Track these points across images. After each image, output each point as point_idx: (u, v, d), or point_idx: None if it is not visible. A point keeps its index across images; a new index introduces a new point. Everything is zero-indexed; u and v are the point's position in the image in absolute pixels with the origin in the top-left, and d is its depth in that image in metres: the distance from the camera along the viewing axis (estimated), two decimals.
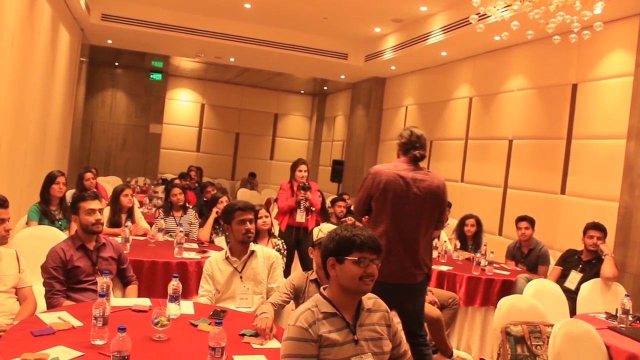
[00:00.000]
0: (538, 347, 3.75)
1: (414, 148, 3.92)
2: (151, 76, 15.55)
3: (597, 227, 5.16)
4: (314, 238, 3.74)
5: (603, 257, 4.96)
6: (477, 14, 4.69)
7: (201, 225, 5.88)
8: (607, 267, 4.87)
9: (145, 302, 3.20)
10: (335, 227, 2.53)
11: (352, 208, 9.17)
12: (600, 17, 4.26)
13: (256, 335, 2.79)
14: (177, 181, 8.52)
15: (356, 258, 2.25)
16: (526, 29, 4.61)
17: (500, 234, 8.07)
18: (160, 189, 10.49)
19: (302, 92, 17.26)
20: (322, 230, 3.66)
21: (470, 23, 4.86)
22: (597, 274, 4.93)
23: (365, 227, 3.58)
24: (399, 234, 3.72)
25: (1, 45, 5.56)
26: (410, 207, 3.74)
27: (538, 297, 4.32)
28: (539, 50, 7.61)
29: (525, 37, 4.83)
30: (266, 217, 4.97)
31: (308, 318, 2.21)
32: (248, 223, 3.69)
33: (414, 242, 3.77)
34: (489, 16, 4.92)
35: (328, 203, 8.35)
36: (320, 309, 2.26)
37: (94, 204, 3.57)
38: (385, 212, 3.74)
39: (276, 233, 5.65)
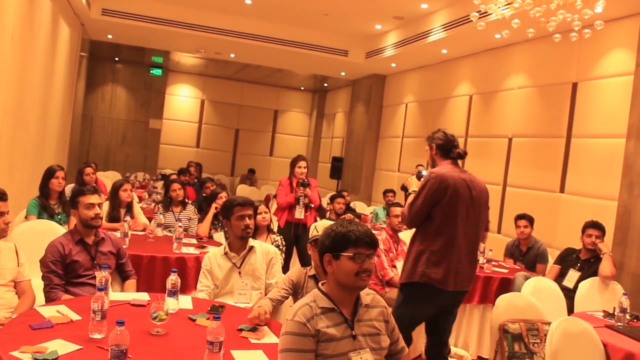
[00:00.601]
0: (535, 344, 3.76)
1: (454, 146, 3.72)
2: (151, 71, 15.54)
3: (595, 226, 5.16)
4: (311, 235, 3.73)
5: (601, 255, 4.97)
6: (477, 12, 4.70)
7: (200, 220, 5.88)
8: (605, 266, 4.88)
9: (144, 296, 3.20)
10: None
11: (351, 205, 9.19)
12: (601, 15, 4.27)
13: (254, 330, 2.79)
14: (174, 177, 8.53)
15: (352, 254, 2.24)
16: (527, 27, 4.61)
17: (499, 232, 8.08)
18: (160, 184, 10.50)
19: (302, 88, 17.26)
20: (318, 228, 3.65)
21: (471, 21, 4.87)
22: (595, 273, 4.94)
23: (422, 236, 3.58)
24: (466, 239, 3.57)
25: (1, 40, 5.55)
26: (472, 211, 3.59)
27: (536, 295, 4.33)
28: (539, 49, 7.61)
29: (525, 35, 4.82)
30: (265, 213, 4.97)
31: (306, 313, 2.21)
32: (247, 219, 3.70)
33: (475, 246, 3.68)
34: (489, 14, 4.93)
35: (327, 200, 8.37)
36: (318, 304, 2.26)
37: (93, 199, 3.58)
38: (453, 217, 3.51)
39: (275, 229, 5.65)
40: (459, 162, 3.78)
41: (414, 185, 3.86)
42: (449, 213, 3.51)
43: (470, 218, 3.57)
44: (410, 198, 3.73)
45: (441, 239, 3.51)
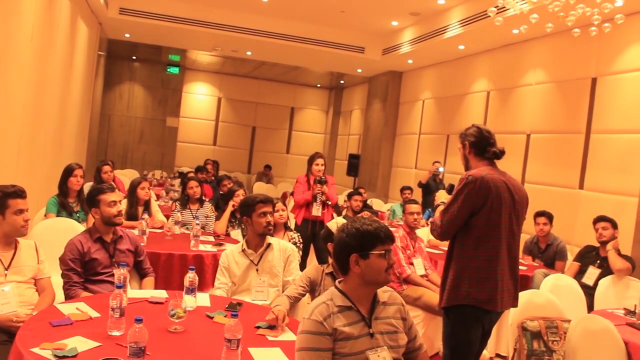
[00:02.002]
0: (555, 342, 3.72)
1: (489, 144, 3.24)
2: (168, 70, 15.62)
3: (601, 219, 5.21)
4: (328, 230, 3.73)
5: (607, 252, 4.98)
6: (495, 7, 4.65)
7: (217, 218, 5.90)
8: (614, 261, 4.88)
9: (162, 294, 3.22)
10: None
11: (368, 202, 9.17)
12: (622, 9, 4.22)
13: (272, 327, 2.80)
14: (191, 174, 8.57)
15: (383, 252, 2.25)
16: (545, 22, 4.57)
17: None
18: (177, 182, 10.54)
19: (318, 85, 17.24)
20: (339, 224, 3.64)
21: (489, 16, 4.82)
22: None
23: (460, 250, 3.10)
24: (510, 251, 3.13)
25: (21, 39, 5.61)
26: (515, 219, 3.15)
27: (555, 292, 4.29)
28: (558, 44, 7.53)
29: (544, 30, 4.77)
30: (282, 210, 4.97)
31: (323, 311, 2.21)
32: (269, 215, 3.71)
33: (517, 259, 3.21)
34: (507, 9, 4.89)
35: (344, 197, 8.35)
36: (335, 303, 2.25)
37: (115, 196, 3.62)
38: (495, 227, 3.05)
39: (292, 226, 5.66)
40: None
41: (443, 197, 3.54)
42: (490, 222, 3.05)
43: (513, 227, 3.14)
44: (440, 209, 3.33)
45: (484, 253, 3.04)
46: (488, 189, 3.04)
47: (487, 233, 3.05)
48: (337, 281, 2.38)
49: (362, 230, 2.27)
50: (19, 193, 3.19)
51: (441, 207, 3.29)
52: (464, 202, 3.05)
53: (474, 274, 3.03)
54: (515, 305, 3.23)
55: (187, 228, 5.57)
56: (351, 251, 2.26)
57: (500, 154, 3.24)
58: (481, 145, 3.25)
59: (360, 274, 2.26)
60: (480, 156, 3.26)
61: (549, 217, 5.86)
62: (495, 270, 3.04)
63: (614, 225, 5.14)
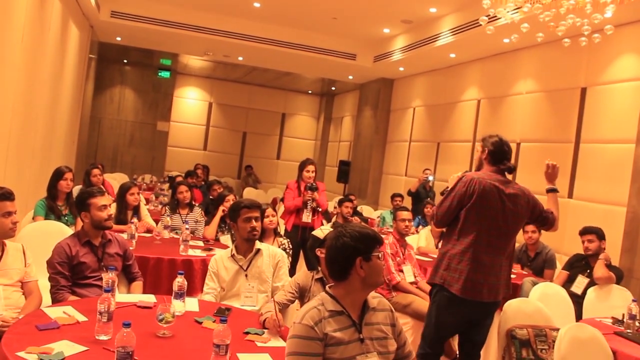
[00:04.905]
0: (543, 350, 3.73)
1: (506, 159, 3.61)
2: (159, 74, 15.59)
3: (587, 231, 5.22)
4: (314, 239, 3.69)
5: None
6: (486, 16, 4.67)
7: (207, 223, 5.88)
8: (596, 269, 4.91)
9: (150, 298, 3.20)
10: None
11: (358, 209, 9.17)
12: (611, 20, 4.25)
13: (260, 333, 2.78)
14: (179, 178, 8.55)
15: (380, 253, 2.31)
16: (536, 32, 4.59)
17: None
18: (167, 186, 10.51)
19: (309, 92, 17.27)
20: (324, 232, 3.62)
21: (480, 25, 4.84)
22: None
23: (446, 239, 3.60)
24: (486, 249, 3.46)
25: (11, 41, 5.58)
26: (503, 222, 3.47)
27: (544, 300, 4.30)
28: (548, 53, 7.58)
29: (534, 39, 4.80)
30: (272, 216, 4.96)
31: (314, 316, 2.20)
32: (254, 221, 3.70)
33: (501, 257, 3.52)
34: (498, 18, 4.90)
35: (335, 203, 8.35)
36: (326, 307, 2.25)
37: (105, 200, 3.61)
38: (475, 224, 3.45)
39: (282, 232, 5.65)
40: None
41: (454, 182, 3.78)
42: (470, 219, 3.46)
43: (500, 230, 3.47)
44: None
45: (461, 244, 3.46)
46: (474, 190, 3.44)
47: (467, 228, 3.46)
48: (327, 286, 2.38)
49: (364, 234, 2.30)
50: (7, 195, 3.16)
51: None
52: (454, 197, 3.51)
53: (448, 260, 3.49)
54: (497, 299, 3.54)
55: (177, 233, 5.56)
56: (357, 255, 2.27)
57: (512, 169, 3.64)
58: (498, 157, 3.61)
59: (363, 277, 2.27)
60: (493, 165, 3.62)
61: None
62: (467, 261, 3.42)
63: (600, 237, 5.15)
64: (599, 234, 5.15)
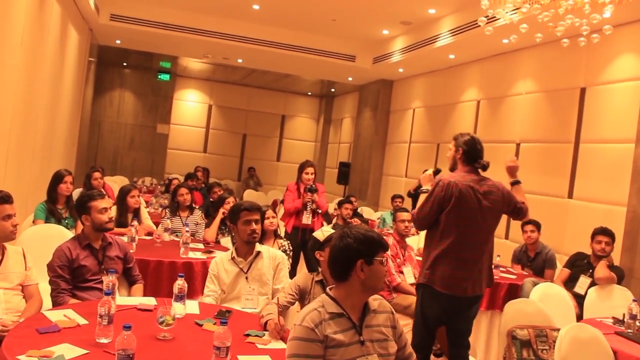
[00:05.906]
0: (544, 351, 3.73)
1: (479, 157, 3.75)
2: (159, 77, 15.59)
3: (605, 232, 5.13)
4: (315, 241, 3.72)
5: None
6: (485, 17, 4.67)
7: (207, 225, 5.88)
8: (598, 269, 4.91)
9: (151, 301, 3.20)
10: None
11: (358, 210, 9.17)
12: (610, 20, 4.25)
13: (261, 335, 2.78)
14: (176, 181, 8.56)
15: (384, 258, 2.30)
16: (535, 32, 4.59)
17: (506, 237, 8.04)
18: (163, 189, 10.50)
19: (309, 93, 17.27)
20: (325, 233, 3.62)
21: (479, 26, 4.85)
22: None
23: (429, 240, 3.74)
24: (467, 247, 3.62)
25: (11, 44, 5.59)
26: (481, 219, 3.64)
27: (544, 301, 4.31)
28: (547, 54, 7.59)
29: (533, 40, 4.80)
30: (272, 218, 4.96)
31: (314, 318, 2.20)
32: (254, 223, 3.69)
33: (481, 254, 3.67)
34: (497, 19, 4.90)
35: (335, 205, 8.35)
36: (326, 309, 2.25)
37: (105, 203, 3.61)
38: (455, 225, 3.60)
39: (282, 234, 5.65)
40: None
41: (427, 181, 3.98)
42: (450, 221, 3.60)
43: (480, 227, 3.65)
44: (422, 197, 3.80)
45: (444, 244, 3.60)
46: (452, 193, 3.58)
47: (448, 229, 3.60)
48: (328, 288, 2.37)
49: (368, 236, 2.29)
50: (6, 198, 3.16)
51: (423, 196, 3.79)
52: (433, 202, 3.64)
53: (432, 260, 3.64)
54: (481, 292, 3.72)
55: (177, 235, 5.55)
56: (358, 257, 2.26)
57: (486, 167, 3.76)
58: (472, 156, 3.74)
59: (363, 280, 2.26)
60: (467, 164, 3.75)
61: (537, 225, 5.88)
62: (451, 259, 3.57)
63: (614, 240, 5.15)
64: (614, 238, 5.14)
